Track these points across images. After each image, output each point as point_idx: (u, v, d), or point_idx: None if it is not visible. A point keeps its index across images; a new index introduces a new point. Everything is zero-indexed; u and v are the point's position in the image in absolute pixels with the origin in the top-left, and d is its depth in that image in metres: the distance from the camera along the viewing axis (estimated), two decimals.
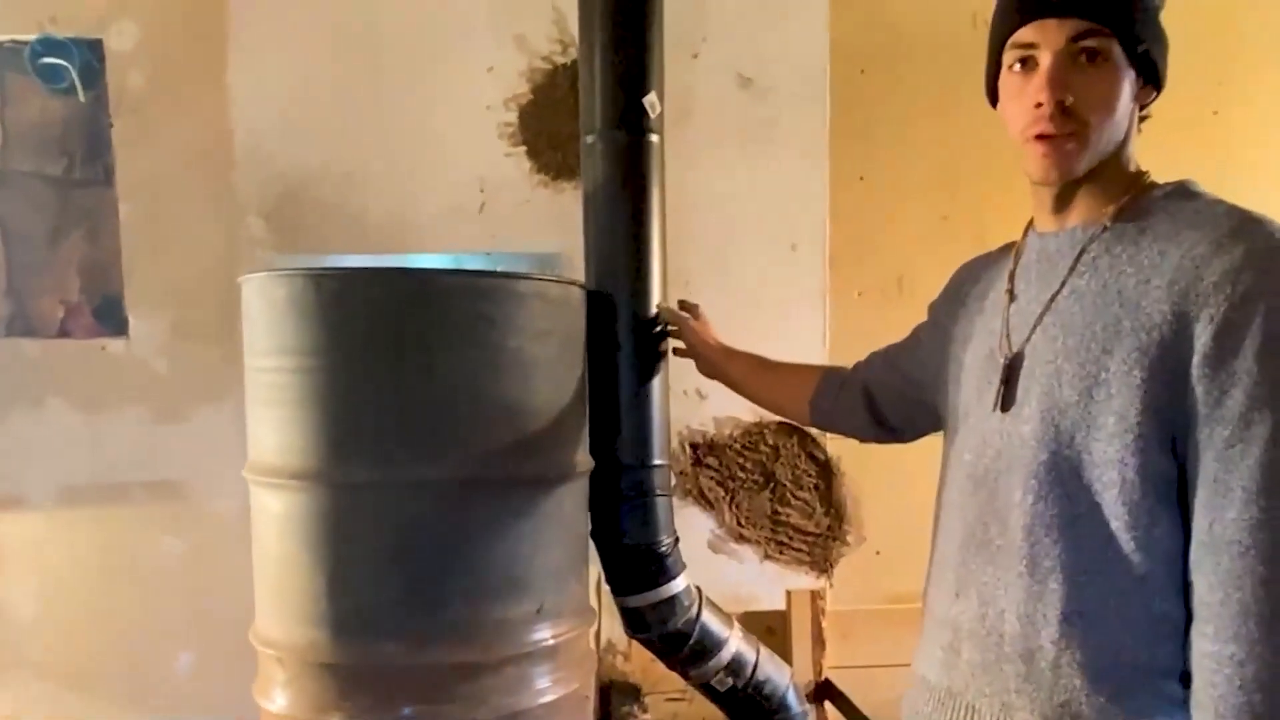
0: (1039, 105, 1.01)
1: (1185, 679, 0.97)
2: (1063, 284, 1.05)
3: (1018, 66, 1.04)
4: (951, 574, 1.14)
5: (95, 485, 2.28)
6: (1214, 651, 0.92)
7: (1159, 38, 1.05)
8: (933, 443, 2.57)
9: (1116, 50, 1.00)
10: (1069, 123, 1.01)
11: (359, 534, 1.36)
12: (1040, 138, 1.02)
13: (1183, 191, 1.04)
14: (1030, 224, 1.15)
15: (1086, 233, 1.05)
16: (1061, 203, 1.08)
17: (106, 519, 2.28)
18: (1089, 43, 1.00)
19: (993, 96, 1.12)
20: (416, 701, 1.35)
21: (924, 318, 1.39)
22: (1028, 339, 1.07)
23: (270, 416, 1.40)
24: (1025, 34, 1.02)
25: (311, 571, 1.36)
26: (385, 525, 1.35)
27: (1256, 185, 1.95)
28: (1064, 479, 1.01)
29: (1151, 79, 1.05)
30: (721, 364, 1.65)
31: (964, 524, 1.12)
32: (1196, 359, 0.93)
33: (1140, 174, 1.07)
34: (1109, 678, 0.99)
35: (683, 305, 1.72)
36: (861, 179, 2.28)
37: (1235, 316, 0.91)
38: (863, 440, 1.51)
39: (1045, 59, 1.01)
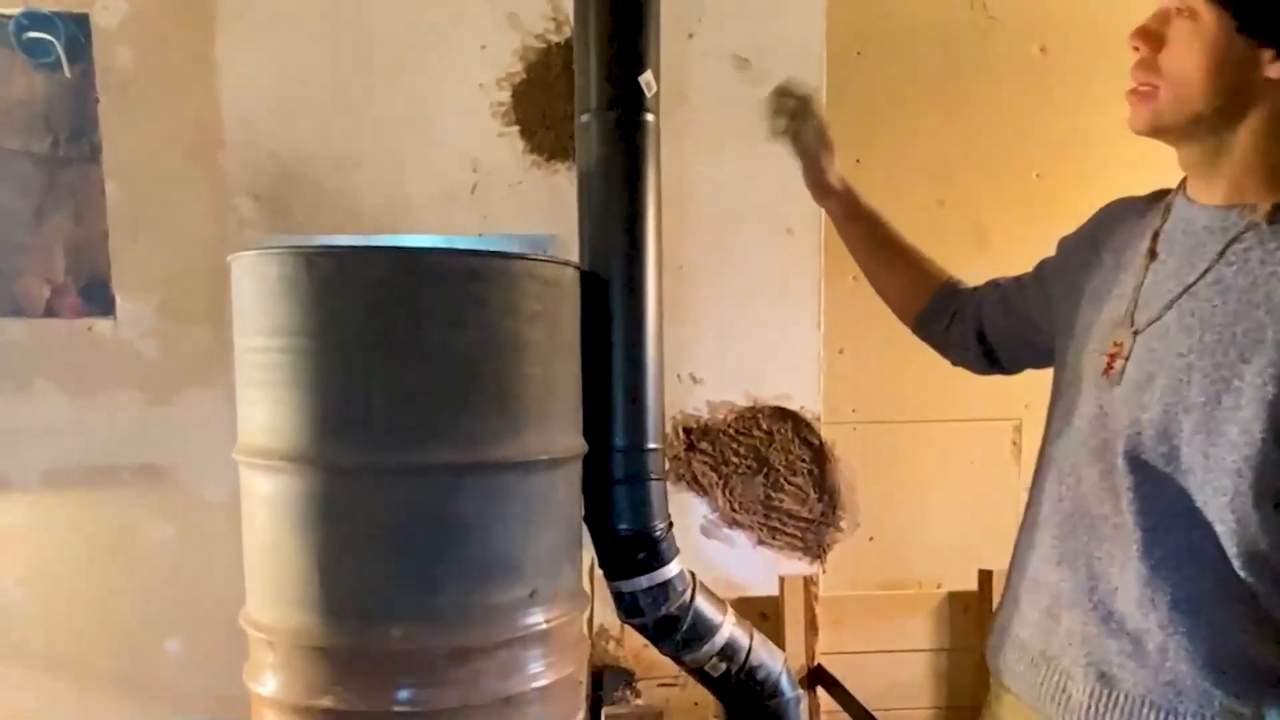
0: (1134, 50, 1.02)
1: None
2: (1208, 268, 0.99)
3: None
4: (1053, 540, 1.12)
5: (82, 468, 2.25)
6: None
7: None
8: (929, 431, 2.57)
9: (1205, 9, 0.96)
10: (1148, 75, 1.01)
11: (350, 517, 1.34)
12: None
13: None
14: (1184, 182, 1.08)
15: (1244, 217, 0.99)
16: (1189, 168, 1.05)
17: (93, 503, 2.26)
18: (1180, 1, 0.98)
19: None
20: (409, 685, 1.34)
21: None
22: (1159, 317, 1.02)
23: (260, 397, 1.38)
24: None
25: (302, 554, 1.34)
26: (376, 508, 1.34)
27: None
28: (1181, 474, 0.98)
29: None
30: (838, 217, 1.55)
31: (1075, 495, 1.10)
32: None
33: None
34: (1215, 665, 0.98)
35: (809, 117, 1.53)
36: (858, 162, 2.26)
37: None
38: (959, 366, 1.46)
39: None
